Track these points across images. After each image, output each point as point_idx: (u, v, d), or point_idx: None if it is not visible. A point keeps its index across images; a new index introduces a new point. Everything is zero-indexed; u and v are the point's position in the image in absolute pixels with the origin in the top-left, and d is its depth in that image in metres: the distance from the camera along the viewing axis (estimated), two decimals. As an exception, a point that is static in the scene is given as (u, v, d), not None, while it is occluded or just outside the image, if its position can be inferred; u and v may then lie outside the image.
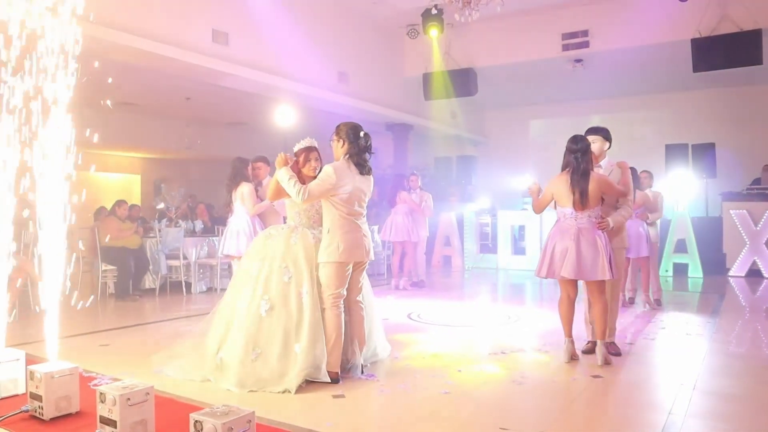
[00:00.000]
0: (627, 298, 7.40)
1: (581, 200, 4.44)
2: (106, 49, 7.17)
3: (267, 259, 4.13)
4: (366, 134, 4.15)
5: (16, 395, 3.61)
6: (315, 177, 4.22)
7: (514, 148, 15.26)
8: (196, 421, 2.56)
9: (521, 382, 4.13)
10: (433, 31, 10.81)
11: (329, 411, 3.53)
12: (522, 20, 11.02)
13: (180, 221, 9.19)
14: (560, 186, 4.56)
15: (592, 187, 4.43)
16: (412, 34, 11.94)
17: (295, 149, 4.40)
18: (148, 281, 8.45)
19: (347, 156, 4.11)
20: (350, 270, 4.10)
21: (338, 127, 4.17)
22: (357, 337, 4.19)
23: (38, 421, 3.23)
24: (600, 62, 10.91)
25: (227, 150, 12.06)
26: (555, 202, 4.71)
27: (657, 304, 7.28)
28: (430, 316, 6.76)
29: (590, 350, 4.79)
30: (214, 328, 4.17)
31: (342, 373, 4.11)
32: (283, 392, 3.77)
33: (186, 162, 16.62)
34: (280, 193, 4.23)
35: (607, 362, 4.49)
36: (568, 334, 4.67)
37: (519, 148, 15.22)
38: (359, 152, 4.11)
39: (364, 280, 4.39)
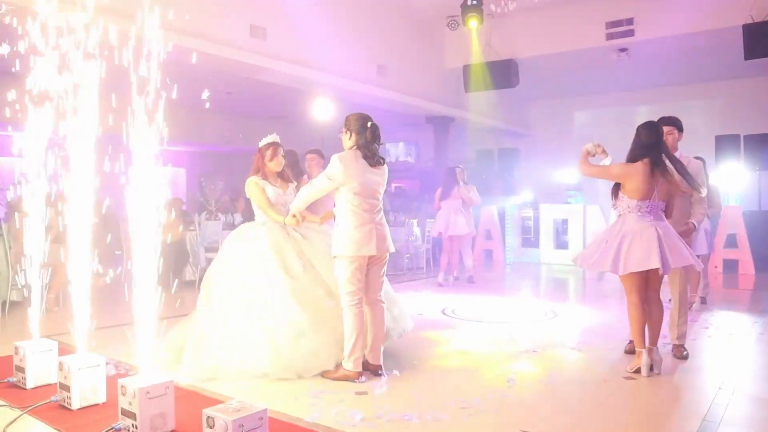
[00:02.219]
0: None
1: (658, 193, 4.08)
2: (147, 46, 7.33)
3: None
4: (374, 125, 4.04)
5: (49, 384, 3.72)
6: (281, 171, 4.55)
7: (558, 141, 14.92)
8: (209, 417, 2.58)
9: (549, 381, 4.03)
10: (473, 22, 10.63)
11: (351, 408, 3.50)
12: (564, 9, 10.72)
13: (219, 214, 9.34)
14: (637, 176, 4.10)
15: (672, 181, 4.11)
16: (452, 25, 11.78)
17: (261, 144, 4.60)
18: (188, 273, 8.62)
19: (355, 148, 4.04)
20: (364, 266, 4.02)
21: (346, 118, 4.12)
22: (378, 335, 4.11)
23: (66, 411, 3.33)
24: (646, 51, 10.52)
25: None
26: (619, 192, 4.21)
27: (702, 302, 7.02)
28: (465, 312, 6.68)
29: (632, 350, 4.55)
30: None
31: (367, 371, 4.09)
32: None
33: (229, 155, 16.92)
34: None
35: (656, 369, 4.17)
36: (642, 343, 4.15)
37: (562, 140, 14.86)
38: (367, 143, 4.02)
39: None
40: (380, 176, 4.11)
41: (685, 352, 4.61)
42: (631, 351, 4.64)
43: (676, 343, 4.68)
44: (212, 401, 3.27)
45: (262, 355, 3.95)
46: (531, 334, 5.53)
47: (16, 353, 3.79)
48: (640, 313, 4.18)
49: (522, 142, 15.73)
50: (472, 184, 9.26)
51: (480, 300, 7.55)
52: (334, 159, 3.99)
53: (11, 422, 3.19)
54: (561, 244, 12.17)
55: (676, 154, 4.56)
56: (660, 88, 13.42)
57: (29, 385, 3.71)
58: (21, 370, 3.75)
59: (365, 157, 4.02)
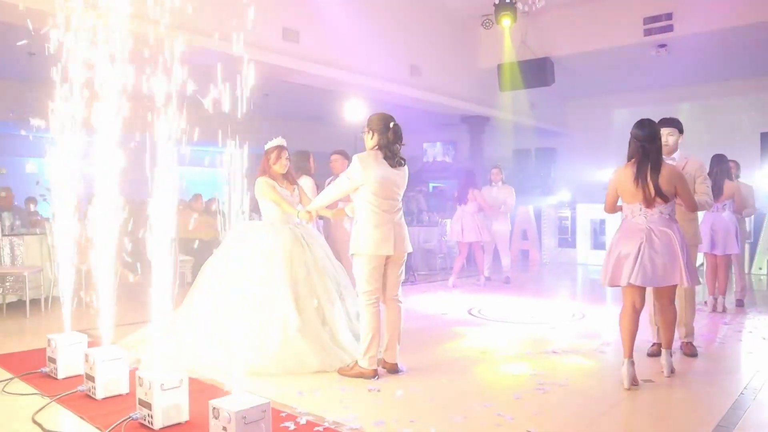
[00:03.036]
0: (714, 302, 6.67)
1: (651, 195, 3.88)
2: (182, 52, 7.56)
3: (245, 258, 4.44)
4: (396, 125, 4.07)
5: (79, 375, 3.90)
6: (286, 173, 4.68)
7: (597, 139, 14.64)
8: (214, 408, 2.69)
9: (565, 384, 3.99)
10: (506, 21, 10.52)
11: (360, 404, 3.57)
12: (600, 5, 10.52)
13: (253, 213, 9.52)
14: (625, 179, 3.99)
15: (663, 179, 3.90)
16: (487, 24, 11.70)
17: (267, 147, 4.71)
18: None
19: (376, 148, 4.08)
20: (382, 265, 4.08)
21: (369, 118, 4.16)
22: (394, 334, 4.17)
23: (90, 400, 3.51)
24: (686, 47, 10.19)
25: (305, 144, 12.40)
26: (621, 199, 4.15)
27: (739, 305, 6.83)
28: (492, 312, 6.66)
29: (656, 353, 4.52)
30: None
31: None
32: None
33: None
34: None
35: (672, 372, 4.12)
36: (629, 353, 3.92)
37: (601, 138, 14.57)
38: (389, 144, 4.05)
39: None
40: (400, 177, 4.14)
41: (694, 350, 4.62)
42: (653, 353, 4.58)
43: (685, 340, 4.68)
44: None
45: (250, 351, 3.99)
46: (554, 336, 5.49)
47: (49, 345, 4.00)
48: (628, 320, 3.98)
49: (559, 141, 15.51)
50: (509, 185, 9.22)
51: (510, 300, 7.52)
52: (354, 159, 4.06)
53: (40, 409, 3.37)
54: (598, 245, 11.98)
55: (675, 155, 4.54)
56: (702, 84, 12.97)
57: (60, 375, 3.91)
58: (53, 361, 3.96)
59: (386, 158, 4.06)
